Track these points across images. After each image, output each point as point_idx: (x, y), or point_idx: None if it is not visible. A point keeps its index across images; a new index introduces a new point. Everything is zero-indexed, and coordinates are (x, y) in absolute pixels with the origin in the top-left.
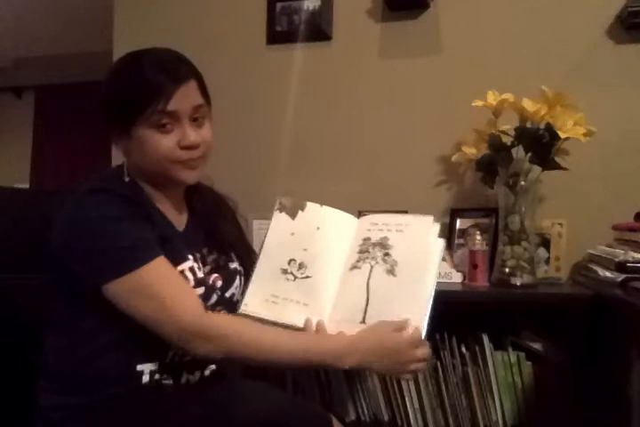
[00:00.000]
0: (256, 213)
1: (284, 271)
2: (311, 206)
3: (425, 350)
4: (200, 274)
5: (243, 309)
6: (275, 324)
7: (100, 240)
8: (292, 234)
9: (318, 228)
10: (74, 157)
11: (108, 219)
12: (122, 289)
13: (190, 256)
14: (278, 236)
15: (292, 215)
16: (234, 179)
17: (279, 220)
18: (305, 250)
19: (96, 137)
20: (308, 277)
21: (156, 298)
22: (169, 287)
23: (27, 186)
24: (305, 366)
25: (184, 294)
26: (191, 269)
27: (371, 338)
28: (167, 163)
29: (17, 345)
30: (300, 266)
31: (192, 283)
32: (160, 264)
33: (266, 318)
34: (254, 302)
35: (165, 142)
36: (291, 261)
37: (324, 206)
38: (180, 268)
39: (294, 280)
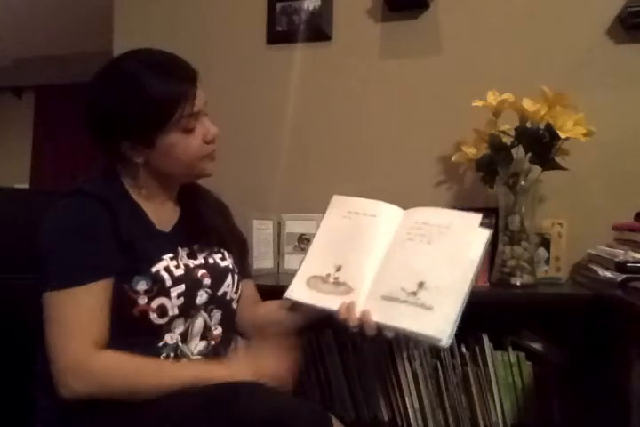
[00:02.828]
0: (256, 213)
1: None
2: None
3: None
4: (179, 271)
5: (287, 294)
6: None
7: (51, 251)
8: (348, 217)
9: (375, 215)
10: (74, 157)
11: (66, 229)
12: (45, 303)
13: (167, 256)
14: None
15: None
16: (234, 179)
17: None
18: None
19: None
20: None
21: (61, 327)
22: (76, 321)
23: (27, 186)
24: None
25: (82, 336)
26: (167, 269)
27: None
28: (197, 160)
29: (17, 345)
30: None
31: (169, 282)
32: (87, 291)
33: (306, 302)
34: (299, 286)
35: (194, 142)
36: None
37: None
38: (154, 268)
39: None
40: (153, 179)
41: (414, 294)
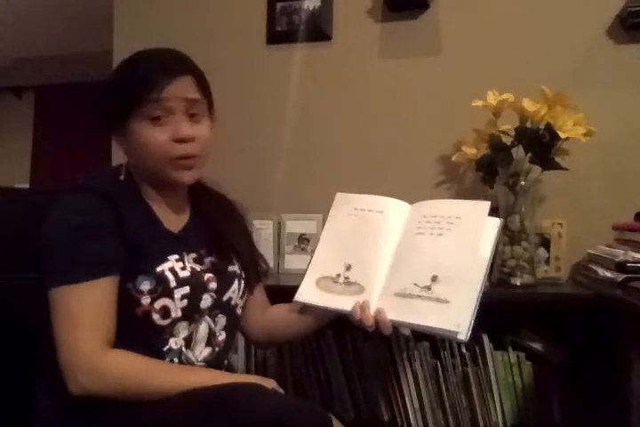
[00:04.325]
0: (256, 213)
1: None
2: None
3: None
4: (185, 273)
5: (297, 297)
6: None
7: (56, 246)
8: (355, 215)
9: (382, 211)
10: (74, 157)
11: (70, 226)
12: (52, 299)
13: (173, 257)
14: (340, 220)
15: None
16: (234, 179)
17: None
18: (363, 235)
19: (96, 137)
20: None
21: (71, 321)
22: (87, 316)
23: (27, 186)
24: None
25: (90, 332)
26: (171, 270)
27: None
28: (162, 159)
29: (17, 345)
30: (349, 268)
31: (173, 283)
32: (95, 287)
33: (318, 304)
34: (309, 288)
35: (158, 135)
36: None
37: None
38: (159, 268)
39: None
40: (139, 175)
41: (428, 288)
